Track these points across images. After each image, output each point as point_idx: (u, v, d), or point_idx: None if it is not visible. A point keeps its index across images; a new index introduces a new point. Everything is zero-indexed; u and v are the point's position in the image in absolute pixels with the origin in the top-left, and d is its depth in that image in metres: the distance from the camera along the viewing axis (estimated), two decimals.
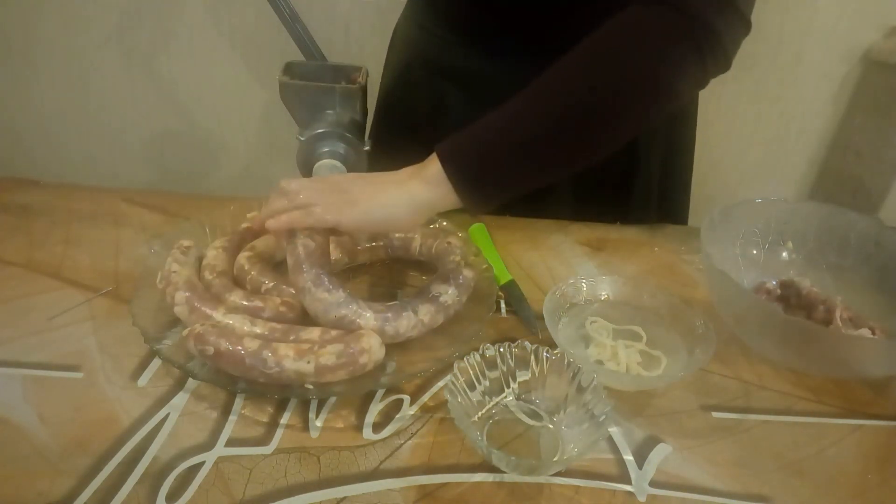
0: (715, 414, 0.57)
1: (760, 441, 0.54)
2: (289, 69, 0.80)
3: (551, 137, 0.56)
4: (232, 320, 0.57)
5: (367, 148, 0.77)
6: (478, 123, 0.57)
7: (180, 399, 0.54)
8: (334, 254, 0.68)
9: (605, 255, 0.78)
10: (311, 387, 0.53)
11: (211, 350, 0.53)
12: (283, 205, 0.58)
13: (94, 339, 0.60)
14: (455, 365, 0.53)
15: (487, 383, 0.55)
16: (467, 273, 0.64)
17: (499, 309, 0.67)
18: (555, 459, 0.50)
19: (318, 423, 0.53)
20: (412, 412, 0.55)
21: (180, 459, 0.49)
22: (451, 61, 0.79)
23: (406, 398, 0.56)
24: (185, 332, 0.55)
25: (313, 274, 0.57)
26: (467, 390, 0.54)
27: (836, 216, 0.71)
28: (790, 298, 0.67)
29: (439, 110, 0.81)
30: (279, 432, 0.52)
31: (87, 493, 0.46)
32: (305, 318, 0.59)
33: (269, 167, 1.46)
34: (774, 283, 0.70)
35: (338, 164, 0.75)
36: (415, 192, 0.57)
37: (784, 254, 0.73)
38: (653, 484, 0.50)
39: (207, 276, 0.63)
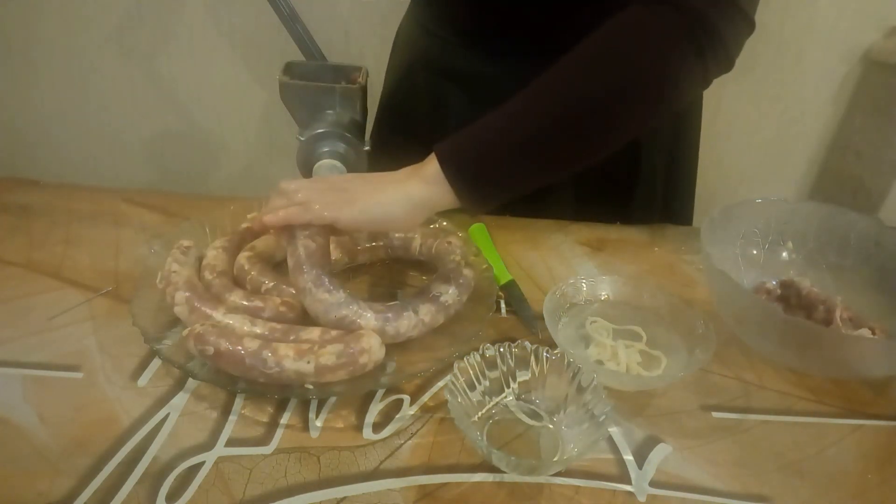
0: (715, 414, 0.57)
1: (760, 441, 0.54)
2: (289, 69, 0.80)
3: (550, 138, 0.56)
4: (232, 320, 0.57)
5: (366, 148, 0.77)
6: (477, 123, 0.57)
7: (180, 399, 0.54)
8: (334, 254, 0.68)
9: (605, 255, 0.78)
10: (311, 387, 0.53)
11: (211, 350, 0.53)
12: (283, 204, 0.58)
13: (94, 339, 0.60)
14: (455, 365, 0.53)
15: (487, 383, 0.55)
16: (468, 272, 0.64)
17: (499, 309, 0.67)
18: (555, 459, 0.50)
19: (318, 423, 0.53)
20: (412, 412, 0.55)
21: (180, 459, 0.49)
22: (453, 63, 0.79)
23: (406, 398, 0.56)
24: (185, 332, 0.55)
25: (314, 275, 0.57)
26: (467, 390, 0.54)
27: (836, 216, 0.70)
28: (790, 298, 0.67)
29: (441, 112, 0.81)
30: (279, 432, 0.52)
31: (87, 493, 0.46)
32: (305, 318, 0.59)
33: (269, 167, 1.46)
34: (774, 283, 0.70)
35: (338, 164, 0.75)
36: (413, 192, 0.57)
37: (784, 254, 0.73)
38: (653, 484, 0.50)
39: (207, 276, 0.63)
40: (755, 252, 0.73)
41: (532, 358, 0.55)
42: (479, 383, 0.55)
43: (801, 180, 1.48)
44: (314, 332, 0.56)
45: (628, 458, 0.52)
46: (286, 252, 0.59)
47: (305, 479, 0.48)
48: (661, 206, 0.86)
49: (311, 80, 0.78)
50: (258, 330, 0.56)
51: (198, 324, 0.55)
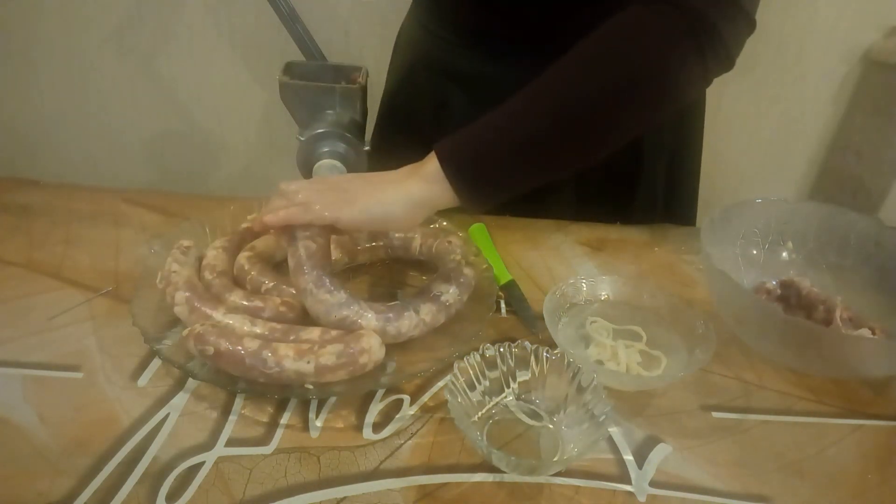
0: (715, 414, 0.57)
1: (760, 441, 0.54)
2: (289, 69, 0.80)
3: (550, 137, 0.56)
4: (232, 320, 0.57)
5: (366, 148, 0.77)
6: (477, 122, 0.57)
7: (180, 399, 0.54)
8: (334, 254, 0.68)
9: (605, 255, 0.78)
10: (311, 387, 0.53)
11: (211, 350, 0.53)
12: (283, 204, 0.58)
13: (94, 339, 0.60)
14: (455, 365, 0.53)
15: (487, 383, 0.55)
16: (468, 272, 0.64)
17: (499, 309, 0.67)
18: (555, 459, 0.50)
19: (318, 423, 0.53)
20: (412, 412, 0.55)
21: (180, 459, 0.49)
22: (454, 63, 0.79)
23: (406, 398, 0.56)
24: (185, 332, 0.55)
25: (315, 275, 0.57)
26: (467, 390, 0.54)
27: (836, 216, 0.70)
28: (790, 298, 0.67)
29: (443, 112, 0.81)
30: (279, 432, 0.52)
31: (87, 493, 0.46)
32: (305, 318, 0.59)
33: (269, 167, 1.46)
34: (774, 283, 0.70)
35: (338, 164, 0.75)
36: (412, 191, 0.57)
37: (784, 254, 0.73)
38: (653, 484, 0.50)
39: (207, 276, 0.63)
40: (755, 252, 0.73)
41: (532, 358, 0.55)
42: (479, 383, 0.55)
43: (801, 180, 1.48)
44: (314, 332, 0.56)
45: (628, 458, 0.52)
46: (286, 252, 0.59)
47: (305, 479, 0.48)
48: (663, 207, 0.86)
49: (311, 80, 0.78)
50: (258, 330, 0.56)
51: (198, 324, 0.55)
